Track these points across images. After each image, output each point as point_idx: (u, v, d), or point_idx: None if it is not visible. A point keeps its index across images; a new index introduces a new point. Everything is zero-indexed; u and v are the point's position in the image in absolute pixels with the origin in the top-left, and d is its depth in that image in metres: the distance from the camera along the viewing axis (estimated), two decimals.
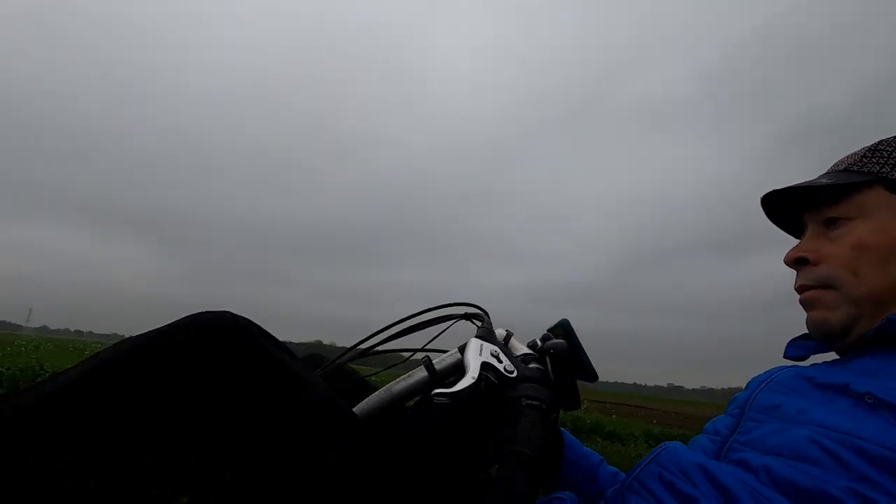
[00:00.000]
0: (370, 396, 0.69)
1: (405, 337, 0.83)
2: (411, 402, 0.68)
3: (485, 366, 0.62)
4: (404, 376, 0.71)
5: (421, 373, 0.71)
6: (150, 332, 0.56)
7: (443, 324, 0.84)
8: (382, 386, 0.71)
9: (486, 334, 0.71)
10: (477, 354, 0.64)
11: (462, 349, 0.71)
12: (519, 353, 0.73)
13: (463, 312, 0.83)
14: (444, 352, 0.78)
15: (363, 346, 0.81)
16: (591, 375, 0.71)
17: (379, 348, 0.81)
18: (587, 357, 0.71)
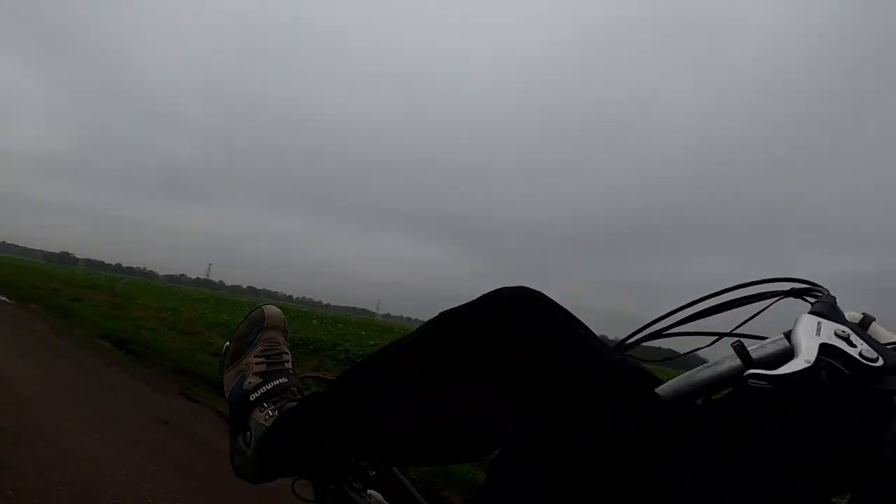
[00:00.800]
0: (666, 384, 0.60)
1: (708, 319, 0.70)
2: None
3: (826, 349, 0.46)
4: (709, 363, 0.60)
5: (731, 361, 0.58)
6: (471, 302, 0.66)
7: (759, 303, 0.67)
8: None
9: (827, 310, 0.53)
10: (813, 334, 0.48)
11: (789, 335, 0.56)
12: (886, 341, 0.53)
13: (789, 288, 0.65)
14: (762, 338, 0.62)
15: (655, 326, 0.71)
16: None
17: (675, 330, 0.70)
18: None
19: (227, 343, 0.86)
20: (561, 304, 0.65)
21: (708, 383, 0.58)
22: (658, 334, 0.70)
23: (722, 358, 0.60)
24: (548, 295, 0.65)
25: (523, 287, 0.64)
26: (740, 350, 0.57)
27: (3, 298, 10.35)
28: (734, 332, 0.66)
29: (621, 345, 0.72)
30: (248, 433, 0.75)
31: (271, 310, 0.86)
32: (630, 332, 0.72)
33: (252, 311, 0.86)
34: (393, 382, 0.65)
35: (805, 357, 0.45)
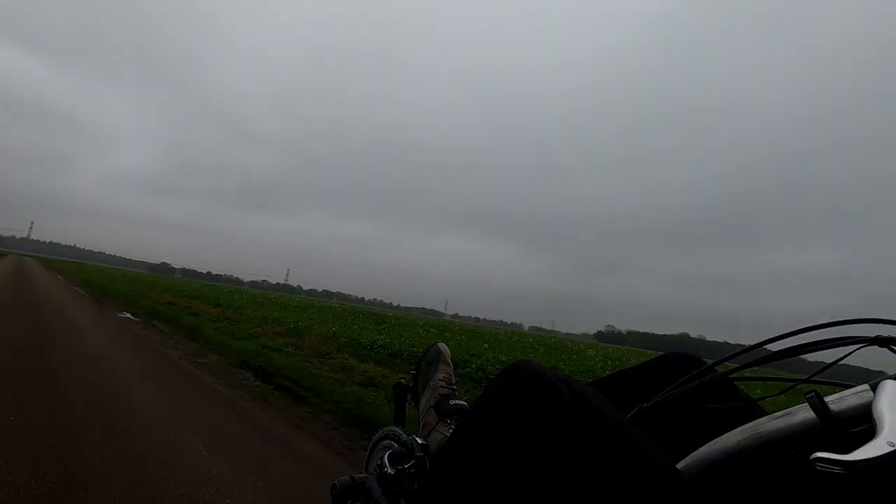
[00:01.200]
0: (731, 433, 0.56)
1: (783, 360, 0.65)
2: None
3: None
4: (781, 413, 0.56)
5: (806, 412, 0.53)
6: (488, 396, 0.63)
7: (839, 348, 0.61)
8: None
9: None
10: None
11: (875, 386, 0.50)
12: None
13: (874, 336, 0.58)
14: (846, 386, 0.56)
15: (725, 368, 0.68)
16: None
17: (745, 373, 0.66)
18: None
19: None
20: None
21: (779, 436, 0.54)
22: (723, 378, 0.67)
23: (795, 408, 0.55)
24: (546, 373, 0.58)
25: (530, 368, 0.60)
26: (816, 403, 0.52)
27: (128, 315, 10.52)
28: (811, 378, 0.62)
29: (680, 387, 0.69)
30: None
31: None
32: (687, 376, 0.69)
33: None
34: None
35: (888, 438, 0.40)
